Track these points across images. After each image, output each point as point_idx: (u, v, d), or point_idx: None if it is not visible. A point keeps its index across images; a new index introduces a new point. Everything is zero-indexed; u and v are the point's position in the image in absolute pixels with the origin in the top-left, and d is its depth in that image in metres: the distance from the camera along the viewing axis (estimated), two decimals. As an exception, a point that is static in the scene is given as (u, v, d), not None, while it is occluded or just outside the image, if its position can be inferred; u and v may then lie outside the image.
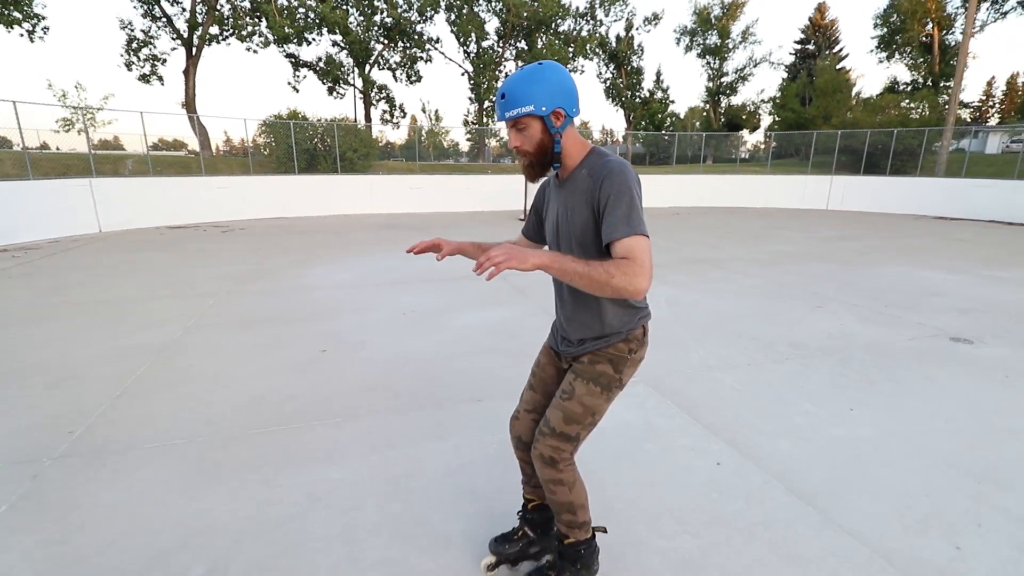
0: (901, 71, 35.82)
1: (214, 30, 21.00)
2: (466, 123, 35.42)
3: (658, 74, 44.62)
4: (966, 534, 1.94)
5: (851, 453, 2.50)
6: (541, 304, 5.09)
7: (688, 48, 45.09)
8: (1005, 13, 27.36)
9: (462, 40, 30.32)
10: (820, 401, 3.06)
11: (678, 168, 22.54)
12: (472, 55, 30.83)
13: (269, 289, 5.70)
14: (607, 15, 33.95)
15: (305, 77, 27.52)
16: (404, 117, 29.43)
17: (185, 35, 20.65)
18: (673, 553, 1.84)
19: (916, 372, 3.50)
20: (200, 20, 20.22)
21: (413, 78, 28.24)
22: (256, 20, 20.55)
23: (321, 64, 26.37)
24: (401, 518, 2.00)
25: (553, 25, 31.12)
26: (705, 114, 50.67)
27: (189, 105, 21.41)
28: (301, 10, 20.94)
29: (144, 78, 20.88)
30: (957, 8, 31.45)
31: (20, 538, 1.84)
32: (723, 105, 46.91)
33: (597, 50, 37.88)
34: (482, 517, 2.02)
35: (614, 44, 41.02)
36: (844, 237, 10.33)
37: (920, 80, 34.31)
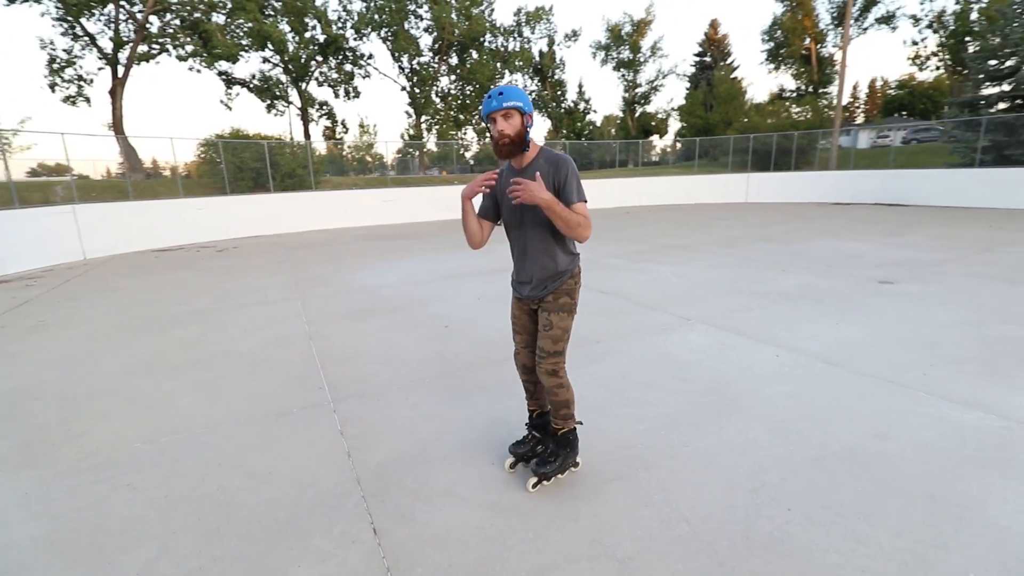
0: (787, 80, 40.86)
1: (143, 48, 20.29)
2: (404, 137, 35.94)
3: (580, 86, 47.55)
4: (924, 368, 3.41)
5: (848, 344, 3.95)
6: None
7: (604, 62, 48.45)
8: (866, 29, 32.54)
9: (397, 56, 31.00)
10: (816, 321, 4.53)
11: (610, 172, 24.69)
12: (407, 71, 31.58)
13: (336, 291, 6.46)
14: (533, 32, 36.02)
15: (238, 95, 26.91)
16: (347, 132, 29.54)
17: (110, 54, 19.79)
18: (778, 393, 3.13)
19: (866, 301, 5.12)
20: (127, 38, 19.50)
21: (352, 94, 28.48)
22: (193, 38, 20.12)
23: (255, 81, 26.00)
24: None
25: (484, 42, 32.60)
26: (619, 122, 54.47)
27: (117, 126, 20.47)
28: (246, 27, 20.75)
29: (70, 100, 19.72)
30: (828, 25, 36.74)
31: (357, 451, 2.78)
32: (638, 113, 50.67)
33: (521, 64, 39.81)
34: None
35: (538, 59, 43.31)
36: (772, 223, 12.48)
37: (803, 87, 39.43)
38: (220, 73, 24.11)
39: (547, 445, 2.37)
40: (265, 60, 25.57)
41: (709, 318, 4.73)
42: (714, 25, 49.77)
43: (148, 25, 19.83)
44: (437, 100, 32.88)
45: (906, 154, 21.93)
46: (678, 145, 33.99)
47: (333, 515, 2.14)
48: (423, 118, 33.46)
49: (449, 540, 1.97)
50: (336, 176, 25.68)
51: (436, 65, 32.12)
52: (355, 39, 28.18)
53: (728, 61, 48.99)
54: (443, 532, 2.02)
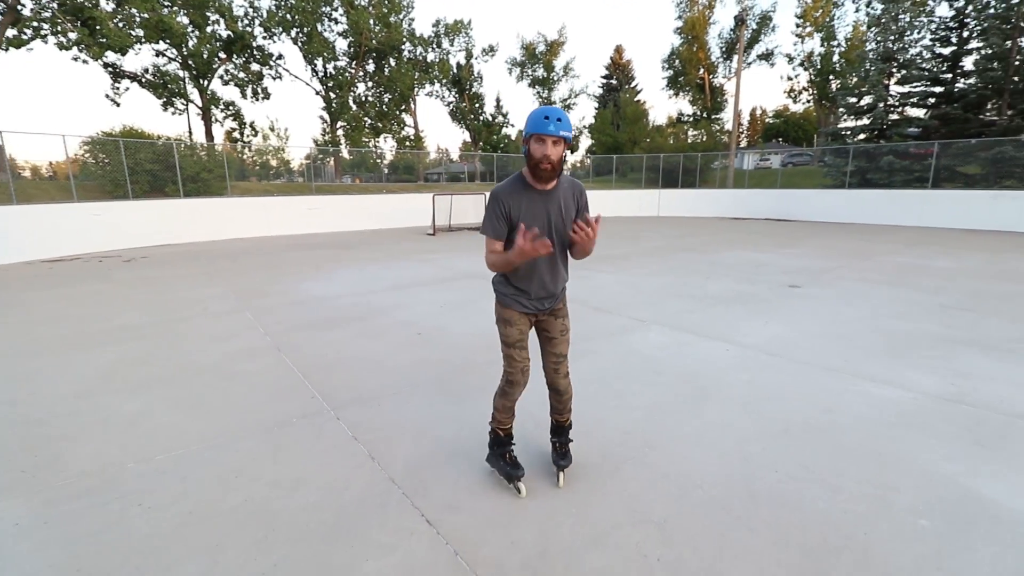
0: (685, 105, 44.67)
1: (12, 32, 17.82)
2: (317, 142, 34.49)
3: (498, 100, 48.54)
4: (843, 356, 4.10)
5: (779, 338, 4.61)
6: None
7: (520, 78, 50.01)
8: (750, 63, 36.68)
9: (310, 59, 29.83)
10: (749, 320, 5.20)
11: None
12: (322, 75, 30.49)
13: (285, 303, 6.22)
14: (452, 44, 36.39)
15: (128, 89, 24.40)
16: (256, 135, 27.78)
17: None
18: (738, 380, 3.63)
19: (783, 303, 5.93)
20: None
21: (261, 95, 26.92)
22: (77, 25, 18.03)
23: (148, 76, 23.72)
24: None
25: (403, 51, 32.40)
26: (534, 136, 56.30)
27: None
28: (140, 16, 18.94)
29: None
30: (718, 58, 40.91)
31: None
32: (553, 129, 52.69)
33: (439, 76, 39.92)
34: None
35: (456, 71, 43.72)
36: (687, 235, 13.73)
37: (699, 112, 43.45)
38: (107, 65, 21.73)
39: (560, 438, 2.58)
40: (159, 54, 23.44)
41: (661, 320, 5.24)
42: (619, 50, 53.28)
43: (20, 6, 17.48)
44: (354, 106, 32.03)
45: (786, 176, 25.04)
46: (587, 161, 36.15)
47: (380, 512, 2.21)
48: (339, 124, 32.44)
49: (503, 522, 2.14)
50: (237, 181, 24.01)
51: (353, 71, 31.35)
52: (264, 37, 26.75)
53: (632, 85, 52.60)
54: (494, 516, 2.18)
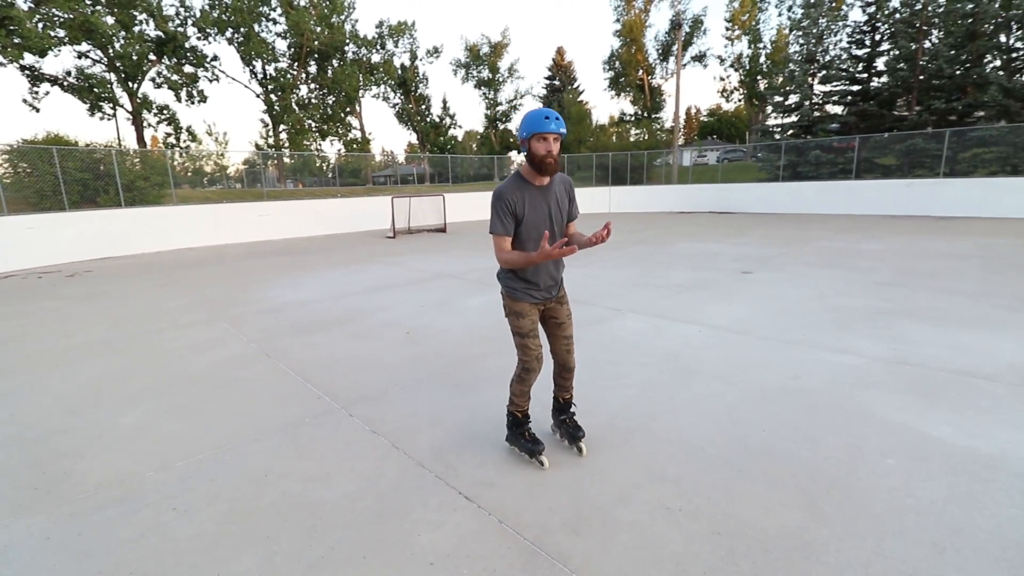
0: (627, 105, 46.13)
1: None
2: (259, 146, 33.20)
3: (444, 101, 48.39)
4: (800, 330, 4.56)
5: (743, 318, 5.04)
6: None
7: (465, 79, 50.04)
8: (685, 65, 38.44)
9: (248, 60, 28.71)
10: (713, 304, 5.63)
11: (476, 186, 25.79)
12: (262, 77, 29.40)
13: (260, 310, 6.12)
14: (396, 46, 35.98)
15: (48, 93, 22.62)
16: (194, 140, 26.40)
17: None
18: (714, 357, 3.99)
19: (740, 287, 6.43)
20: None
21: (197, 98, 25.65)
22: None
23: (71, 79, 22.10)
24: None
25: (346, 52, 31.75)
26: (480, 137, 56.61)
27: None
28: (62, 17, 17.63)
29: None
30: (655, 60, 42.61)
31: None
32: (500, 130, 53.16)
33: (385, 77, 39.35)
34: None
35: (400, 72, 43.24)
36: (640, 229, 14.35)
37: (639, 112, 45.06)
38: (24, 68, 20.08)
39: (569, 415, 2.80)
40: (82, 55, 21.88)
41: (634, 308, 5.58)
42: (560, 52, 54.25)
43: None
44: (297, 109, 31.10)
45: (723, 171, 26.52)
46: None
47: (419, 494, 2.35)
48: (281, 127, 31.40)
49: (536, 492, 2.33)
50: (173, 189, 22.82)
51: (295, 72, 30.42)
52: (198, 38, 25.52)
53: (575, 85, 53.75)
54: (527, 488, 2.37)
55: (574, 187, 2.55)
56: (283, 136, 31.09)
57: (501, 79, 49.81)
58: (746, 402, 3.18)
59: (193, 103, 25.69)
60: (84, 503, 2.39)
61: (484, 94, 50.39)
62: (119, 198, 13.17)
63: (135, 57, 22.21)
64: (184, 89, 25.22)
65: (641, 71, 42.89)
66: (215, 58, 26.31)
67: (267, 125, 31.24)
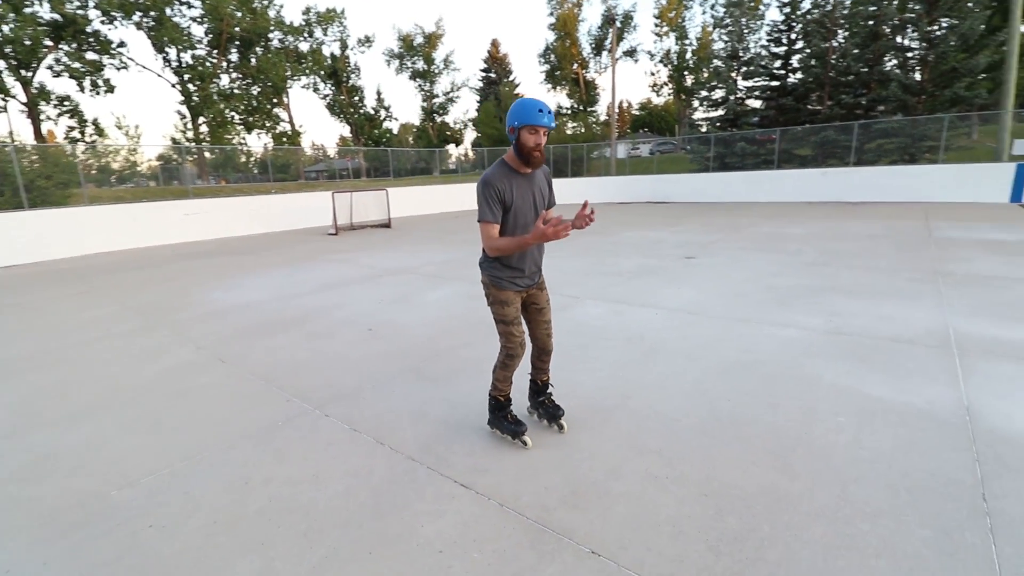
0: (563, 98, 46.83)
1: None
2: (177, 141, 30.88)
3: (378, 93, 47.01)
4: (747, 309, 4.90)
5: (694, 300, 5.35)
6: (463, 287, 6.85)
7: (399, 70, 48.89)
8: (617, 59, 39.49)
9: (160, 47, 26.55)
10: (664, 288, 5.92)
11: (416, 180, 25.46)
12: (177, 65, 27.30)
13: (204, 314, 5.76)
14: (325, 34, 34.52)
15: (-83, 82, 19.87)
16: (101, 135, 24.08)
17: None
18: (675, 336, 4.21)
19: (686, 272, 6.80)
20: None
21: (103, 88, 23.44)
22: None
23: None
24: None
25: (271, 39, 30.10)
26: (416, 130, 55.64)
27: None
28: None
29: None
30: (589, 54, 43.53)
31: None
32: (438, 123, 52.45)
33: (314, 67, 37.72)
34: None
35: (330, 62, 41.56)
36: (584, 219, 14.69)
37: (576, 105, 45.94)
38: None
39: (547, 395, 2.89)
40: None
41: (592, 294, 5.76)
42: (495, 44, 54.17)
43: None
44: (218, 100, 29.16)
45: (657, 162, 27.67)
46: (471, 155, 36.83)
47: (414, 486, 2.35)
48: (201, 120, 29.36)
49: (529, 474, 2.39)
50: (77, 188, 20.81)
51: (215, 60, 28.48)
52: (102, 22, 23.28)
53: (511, 78, 53.95)
54: (520, 471, 2.43)
55: (550, 175, 2.62)
56: (204, 129, 29.07)
57: (437, 70, 49.10)
58: (709, 376, 3.40)
59: (98, 94, 23.46)
60: (44, 530, 2.20)
61: (420, 86, 49.49)
62: (20, 200, 11.86)
63: (28, 42, 19.93)
64: (87, 78, 22.95)
65: (576, 65, 43.68)
66: (122, 44, 24.11)
67: (184, 117, 29.10)
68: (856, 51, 20.73)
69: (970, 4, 18.32)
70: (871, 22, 20.17)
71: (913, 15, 19.25)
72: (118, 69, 23.85)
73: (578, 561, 1.84)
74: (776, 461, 2.40)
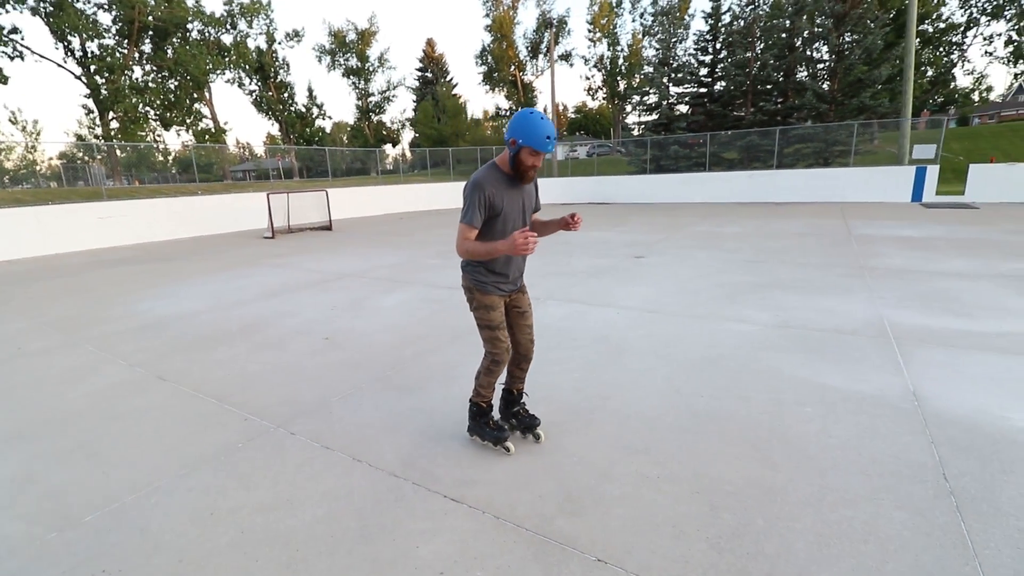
0: (501, 100, 47.06)
1: None
2: (83, 138, 28.06)
3: (310, 90, 45.06)
4: (702, 306, 5.10)
5: (651, 299, 5.50)
6: (420, 291, 6.68)
7: (331, 67, 47.17)
8: (555, 62, 40.15)
9: (60, 35, 24.04)
10: (619, 287, 6.05)
11: (354, 180, 24.71)
12: (81, 56, 24.81)
13: (133, 327, 5.24)
14: (250, 26, 32.63)
15: None
16: (-8, 130, 21.35)
17: None
18: (639, 335, 4.31)
19: (638, 271, 6.99)
20: None
21: (-7, 78, 20.90)
22: None
23: None
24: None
25: (190, 30, 28.08)
26: (351, 129, 53.98)
27: None
28: None
29: None
30: (526, 57, 43.99)
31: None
32: (374, 122, 51.08)
33: (238, 60, 35.58)
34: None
35: (256, 56, 39.36)
36: (531, 220, 14.80)
37: (514, 107, 46.26)
38: None
39: (521, 406, 2.83)
40: None
41: (551, 295, 5.78)
42: (431, 44, 53.41)
43: None
44: (131, 94, 26.81)
45: (594, 164, 28.41)
46: (408, 155, 36.18)
47: (402, 504, 2.23)
48: (111, 115, 26.90)
49: (522, 483, 2.34)
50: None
51: (125, 51, 26.16)
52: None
53: (448, 78, 53.44)
54: (512, 479, 2.37)
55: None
56: (114, 125, 26.64)
57: (371, 68, 47.83)
58: (680, 373, 3.49)
59: (-15, 82, 20.86)
60: (-35, 587, 1.88)
61: (354, 84, 48.02)
62: None
63: None
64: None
65: (513, 67, 44.01)
66: (15, 30, 21.56)
67: (91, 112, 26.53)
68: (773, 61, 22.29)
69: (871, 23, 20.22)
70: (784, 35, 21.77)
71: (822, 29, 20.97)
72: (11, 58, 21.30)
73: (586, 571, 1.81)
74: (757, 453, 2.49)
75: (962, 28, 35.10)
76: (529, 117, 2.19)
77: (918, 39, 18.10)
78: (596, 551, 1.90)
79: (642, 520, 2.05)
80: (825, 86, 21.52)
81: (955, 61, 37.17)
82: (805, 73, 22.17)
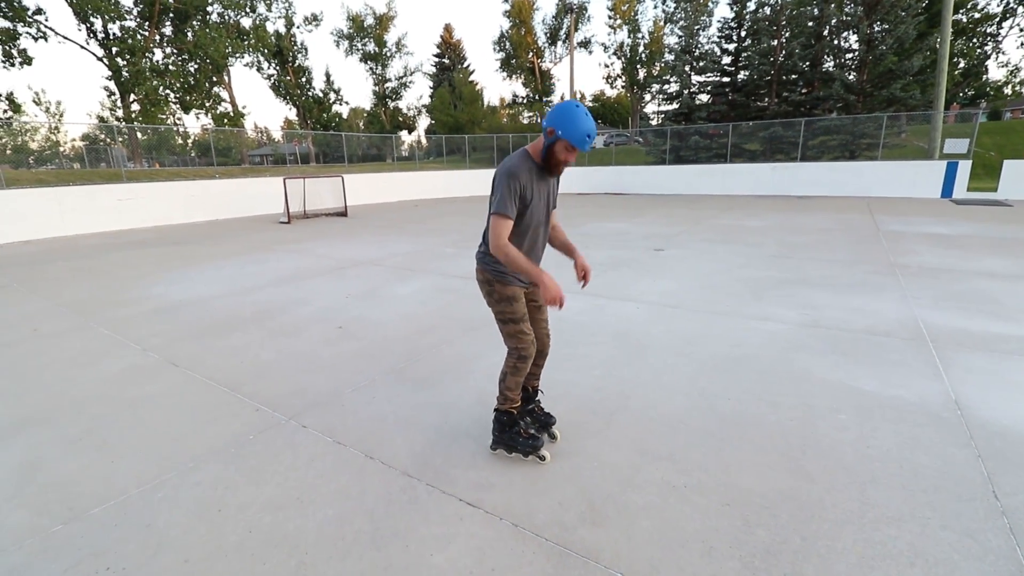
0: (519, 87, 46.52)
1: None
2: (104, 120, 28.34)
3: (327, 75, 44.91)
4: (724, 302, 4.92)
5: (672, 293, 5.33)
6: (435, 281, 6.59)
7: (349, 52, 46.98)
8: (574, 49, 39.50)
9: (83, 17, 24.18)
10: (640, 280, 5.88)
11: (369, 167, 24.63)
12: (104, 37, 24.97)
13: (148, 311, 5.22)
14: (269, 9, 32.53)
15: None
16: (17, 112, 21.67)
17: None
18: (661, 331, 4.16)
19: (658, 264, 6.80)
20: None
21: (19, 60, 21.11)
22: None
23: None
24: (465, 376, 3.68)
25: (209, 13, 28.08)
26: (367, 115, 53.82)
27: None
28: None
29: None
30: (544, 44, 43.32)
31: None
32: (391, 108, 50.88)
33: (257, 44, 35.52)
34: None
35: (275, 40, 39.30)
36: (547, 210, 14.61)
37: (531, 95, 45.73)
38: None
39: (536, 403, 2.70)
40: None
41: (567, 288, 5.56)
42: (448, 29, 52.85)
43: None
44: (152, 76, 26.93)
45: (612, 154, 27.98)
46: (424, 142, 35.88)
47: (416, 507, 2.14)
48: (132, 97, 27.09)
49: (540, 488, 2.23)
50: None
51: (147, 33, 26.26)
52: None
53: (465, 65, 52.90)
54: (531, 483, 2.26)
55: None
56: (135, 108, 26.84)
57: (389, 54, 47.55)
58: (704, 372, 3.35)
59: (13, 65, 21.09)
60: (-32, 579, 1.83)
61: (371, 69, 47.83)
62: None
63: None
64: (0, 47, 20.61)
65: (532, 54, 43.41)
66: (39, 11, 21.72)
67: (113, 95, 26.74)
68: (799, 50, 21.61)
69: (903, 12, 19.46)
70: (812, 24, 21.06)
71: (852, 18, 20.24)
72: (35, 39, 21.46)
73: (610, 586, 1.70)
74: (789, 463, 2.35)
75: (998, 19, 33.68)
76: (574, 111, 2.06)
77: (952, 29, 17.37)
78: (621, 566, 1.78)
79: (669, 534, 1.93)
80: (853, 76, 20.82)
81: (989, 53, 35.73)
82: (832, 63, 21.44)
